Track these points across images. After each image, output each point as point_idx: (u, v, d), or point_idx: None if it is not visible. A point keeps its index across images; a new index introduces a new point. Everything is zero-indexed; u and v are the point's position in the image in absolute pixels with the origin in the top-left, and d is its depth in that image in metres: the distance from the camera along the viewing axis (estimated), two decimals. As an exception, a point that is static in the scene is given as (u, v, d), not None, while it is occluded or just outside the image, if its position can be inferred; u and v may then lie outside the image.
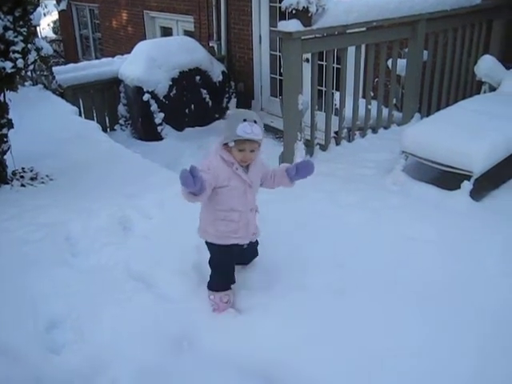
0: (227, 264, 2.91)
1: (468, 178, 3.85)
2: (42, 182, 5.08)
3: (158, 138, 8.12)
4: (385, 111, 5.50)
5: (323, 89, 6.49)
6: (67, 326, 2.87)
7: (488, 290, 2.88)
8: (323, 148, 5.08)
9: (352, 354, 2.47)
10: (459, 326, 2.62)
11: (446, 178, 4.01)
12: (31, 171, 5.24)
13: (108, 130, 8.50)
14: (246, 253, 3.05)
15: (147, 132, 8.22)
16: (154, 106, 8.05)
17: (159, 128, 8.15)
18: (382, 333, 2.59)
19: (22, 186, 4.95)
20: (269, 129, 7.82)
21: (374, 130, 5.45)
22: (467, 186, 3.84)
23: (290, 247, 3.31)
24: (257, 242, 3.07)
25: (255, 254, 3.15)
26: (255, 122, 2.55)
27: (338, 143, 5.16)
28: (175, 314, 2.85)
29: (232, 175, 2.64)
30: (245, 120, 2.52)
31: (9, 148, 4.90)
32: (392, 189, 4.07)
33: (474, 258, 3.14)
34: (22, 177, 5.10)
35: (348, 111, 5.12)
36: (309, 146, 4.92)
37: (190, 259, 3.24)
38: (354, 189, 4.08)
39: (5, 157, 4.90)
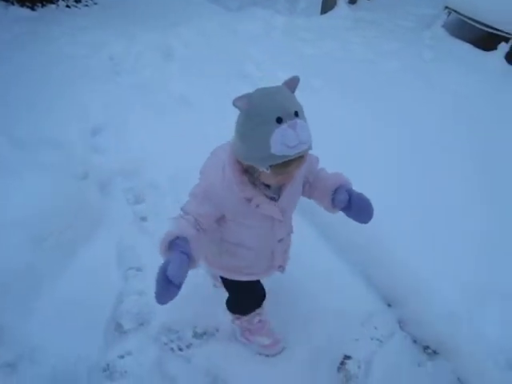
0: (248, 299, 1.98)
1: (506, 40, 3.87)
2: (86, 5, 5.18)
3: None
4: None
5: None
6: (110, 133, 3.14)
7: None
8: (367, -3, 5.02)
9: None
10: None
11: (485, 40, 4.02)
12: (75, -7, 5.30)
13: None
14: None
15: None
16: None
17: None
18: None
19: (67, 6, 5.06)
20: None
21: (422, -14, 5.30)
22: (504, 47, 3.87)
23: (322, 84, 3.45)
24: None
25: None
26: (296, 113, 1.26)
27: (382, -6, 5.08)
28: (208, 126, 3.01)
29: (248, 212, 1.52)
30: (279, 120, 1.24)
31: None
32: (429, 43, 4.10)
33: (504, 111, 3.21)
34: (67, -2, 5.19)
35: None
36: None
37: (232, 87, 3.39)
38: (392, 38, 4.13)
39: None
